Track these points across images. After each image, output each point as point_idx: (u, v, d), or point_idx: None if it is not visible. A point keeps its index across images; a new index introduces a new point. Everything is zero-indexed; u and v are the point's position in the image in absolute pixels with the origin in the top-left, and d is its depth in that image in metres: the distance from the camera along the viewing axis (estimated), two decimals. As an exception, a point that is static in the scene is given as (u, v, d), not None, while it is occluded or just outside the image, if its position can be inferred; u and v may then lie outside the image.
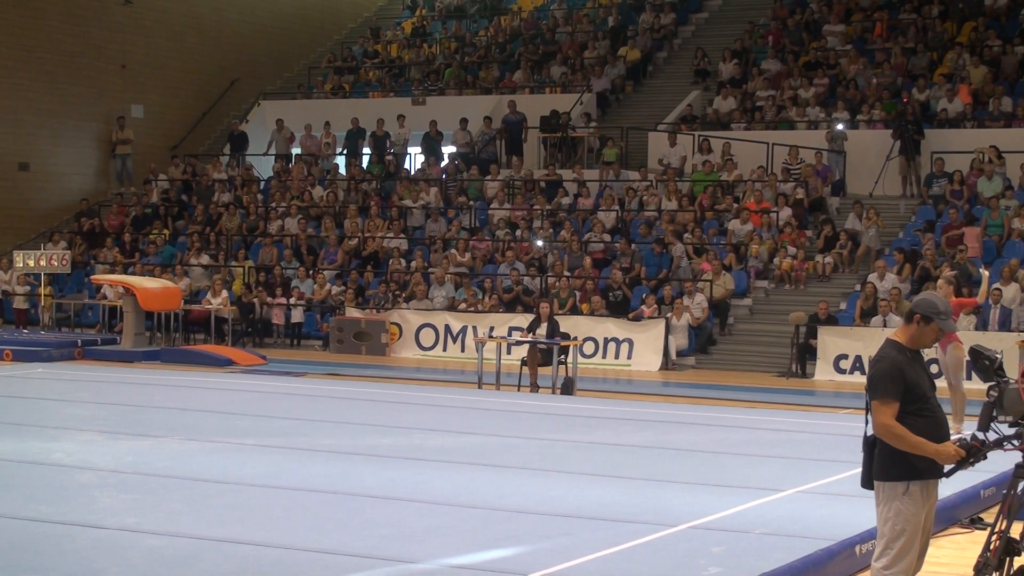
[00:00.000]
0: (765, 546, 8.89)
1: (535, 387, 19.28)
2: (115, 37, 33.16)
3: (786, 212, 25.30)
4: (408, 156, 31.97)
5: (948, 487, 8.26)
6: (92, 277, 26.97)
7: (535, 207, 27.69)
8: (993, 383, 6.96)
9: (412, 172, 31.15)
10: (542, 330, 19.43)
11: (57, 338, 24.05)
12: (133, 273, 26.83)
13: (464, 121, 30.63)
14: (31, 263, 25.80)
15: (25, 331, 25.62)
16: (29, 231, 31.27)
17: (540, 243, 26.49)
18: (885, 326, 20.74)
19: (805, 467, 12.57)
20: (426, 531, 9.37)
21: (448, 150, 31.37)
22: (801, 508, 10.42)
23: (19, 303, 27.46)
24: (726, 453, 13.53)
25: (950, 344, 14.49)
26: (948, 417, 7.36)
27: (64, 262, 26.13)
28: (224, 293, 25.54)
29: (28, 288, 27.42)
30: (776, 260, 24.42)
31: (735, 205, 25.96)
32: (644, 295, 23.63)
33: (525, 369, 19.47)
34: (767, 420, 16.40)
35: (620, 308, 23.69)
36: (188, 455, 12.67)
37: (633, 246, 25.15)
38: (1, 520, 9.42)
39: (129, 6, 33.30)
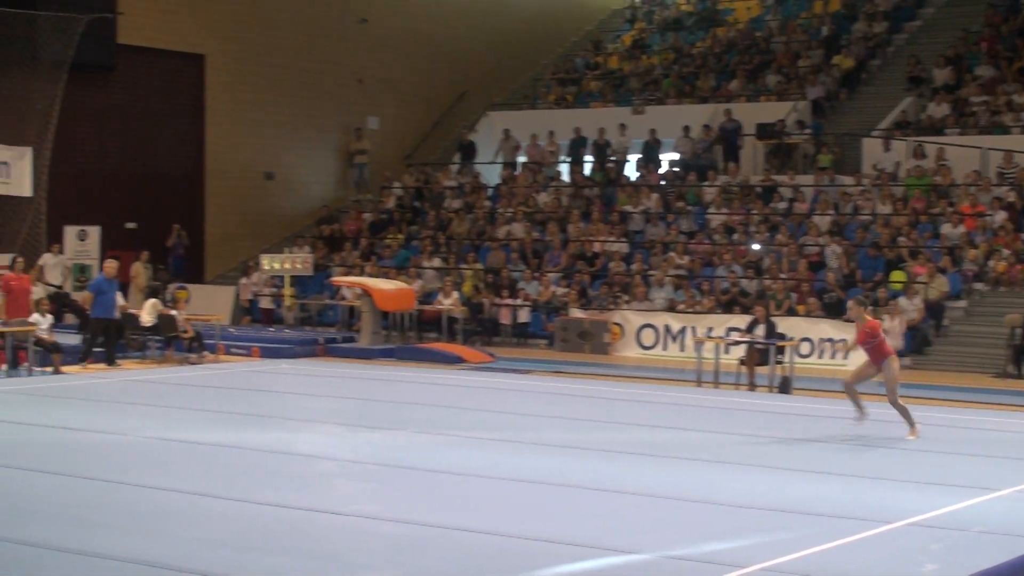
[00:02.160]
0: (983, 544, 9.03)
1: (753, 386, 19.69)
2: (352, 54, 34.53)
3: (1001, 215, 25.16)
4: (628, 163, 32.63)
5: None
6: (332, 279, 27.91)
7: (752, 211, 28.02)
8: None
9: (632, 179, 31.78)
10: (760, 330, 19.89)
11: (300, 336, 25.05)
12: (370, 275, 27.59)
13: (687, 129, 31.07)
14: (276, 266, 27.28)
15: (271, 329, 26.67)
16: (274, 236, 32.67)
17: (756, 246, 26.79)
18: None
19: (1022, 467, 12.63)
20: (648, 523, 9.64)
21: (668, 157, 31.87)
22: (1019, 507, 10.56)
23: (265, 303, 28.72)
24: (942, 452, 13.56)
25: (886, 359, 14.19)
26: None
27: (306, 265, 27.37)
28: (455, 294, 26.24)
29: (274, 289, 28.65)
30: (991, 262, 24.34)
31: (949, 209, 25.92)
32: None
33: (743, 368, 19.95)
34: (982, 420, 16.37)
35: (835, 309, 23.96)
36: (421, 447, 13.14)
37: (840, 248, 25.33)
38: (249, 505, 9.97)
39: (365, 24, 34.58)
